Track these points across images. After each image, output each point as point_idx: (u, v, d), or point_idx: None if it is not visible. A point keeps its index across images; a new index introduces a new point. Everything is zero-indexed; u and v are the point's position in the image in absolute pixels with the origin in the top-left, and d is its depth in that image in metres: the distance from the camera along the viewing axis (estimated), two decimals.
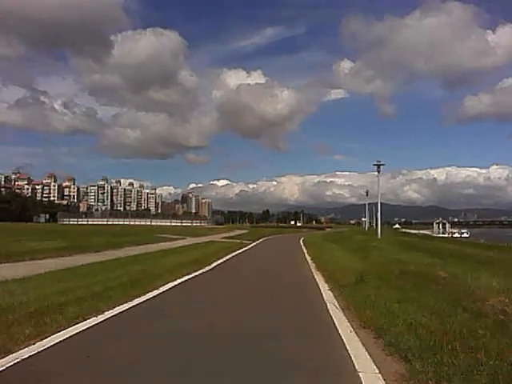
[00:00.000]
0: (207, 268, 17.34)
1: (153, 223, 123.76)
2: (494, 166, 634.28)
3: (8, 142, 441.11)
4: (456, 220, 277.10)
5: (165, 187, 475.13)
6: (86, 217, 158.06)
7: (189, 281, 13.59)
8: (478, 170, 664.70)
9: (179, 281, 13.21)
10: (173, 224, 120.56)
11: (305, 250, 29.73)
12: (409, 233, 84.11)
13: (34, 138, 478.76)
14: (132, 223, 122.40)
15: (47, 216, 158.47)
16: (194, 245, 32.54)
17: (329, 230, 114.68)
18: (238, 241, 40.97)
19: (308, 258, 22.96)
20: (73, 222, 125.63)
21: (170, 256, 21.38)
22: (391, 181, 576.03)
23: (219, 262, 20.35)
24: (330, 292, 11.89)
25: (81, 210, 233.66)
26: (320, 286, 13.11)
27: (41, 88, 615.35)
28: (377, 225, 51.92)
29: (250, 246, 34.50)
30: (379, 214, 47.36)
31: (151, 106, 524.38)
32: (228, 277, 15.31)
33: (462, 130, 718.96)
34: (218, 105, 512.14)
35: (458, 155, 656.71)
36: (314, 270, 17.49)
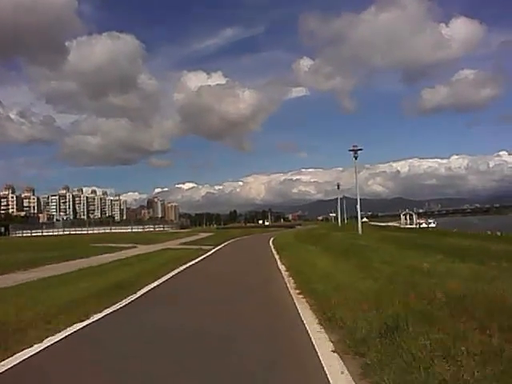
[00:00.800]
0: (128, 299, 10.72)
1: (113, 230, 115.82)
2: (455, 156, 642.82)
3: None
4: (421, 211, 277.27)
5: (130, 193, 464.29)
6: (44, 228, 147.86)
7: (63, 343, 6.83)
8: (439, 160, 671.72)
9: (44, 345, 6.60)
10: (134, 230, 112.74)
11: (276, 257, 23.15)
12: (383, 226, 79.42)
13: None
14: (90, 232, 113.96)
15: (2, 229, 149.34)
16: (136, 256, 25.49)
17: (298, 227, 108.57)
18: (196, 247, 34.17)
19: (282, 270, 16.43)
20: (26, 234, 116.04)
21: (83, 280, 14.31)
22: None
23: (153, 284, 13.65)
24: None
25: (41, 220, 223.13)
26: (317, 348, 6.34)
27: None
28: (357, 219, 45.90)
29: (207, 254, 27.50)
30: (358, 206, 41.30)
31: (111, 112, 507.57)
32: (151, 323, 8.40)
33: (422, 122, 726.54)
34: (180, 107, 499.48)
35: (419, 147, 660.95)
36: (294, 295, 10.92)
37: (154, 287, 13.15)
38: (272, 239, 45.47)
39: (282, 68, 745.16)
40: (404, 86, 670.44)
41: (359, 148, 42.13)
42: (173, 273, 16.57)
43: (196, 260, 22.82)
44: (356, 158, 42.91)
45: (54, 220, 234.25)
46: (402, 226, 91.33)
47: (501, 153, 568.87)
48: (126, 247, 37.50)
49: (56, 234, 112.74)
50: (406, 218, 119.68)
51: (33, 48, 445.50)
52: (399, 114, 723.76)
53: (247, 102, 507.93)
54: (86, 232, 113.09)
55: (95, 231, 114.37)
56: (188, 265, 19.81)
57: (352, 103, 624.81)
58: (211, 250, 31.92)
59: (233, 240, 47.40)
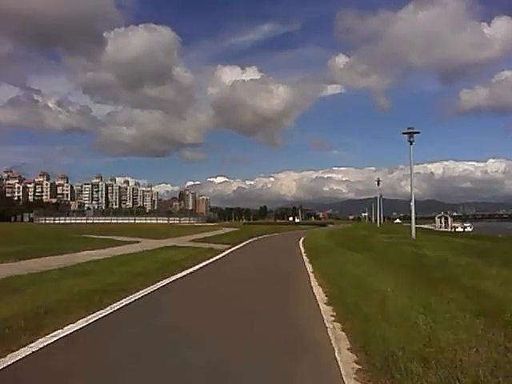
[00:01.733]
0: None
1: (137, 221, 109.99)
2: (491, 160, 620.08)
3: (2, 141, 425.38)
4: (455, 214, 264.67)
5: (162, 185, 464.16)
6: (74, 215, 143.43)
7: None
8: (475, 163, 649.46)
9: None
10: (158, 222, 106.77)
11: (309, 270, 15.53)
12: (425, 229, 70.92)
13: (29, 137, 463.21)
14: (114, 221, 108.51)
15: (31, 215, 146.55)
16: (115, 258, 18.27)
17: (331, 226, 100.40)
18: (208, 246, 26.86)
19: (320, 303, 8.93)
20: (49, 220, 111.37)
21: None
22: (388, 176, 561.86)
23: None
24: None
25: (72, 208, 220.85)
26: None
27: (34, 86, 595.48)
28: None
29: (213, 259, 19.91)
30: (413, 204, 33.12)
31: (146, 104, 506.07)
32: None
33: (459, 124, 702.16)
34: (214, 101, 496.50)
35: (455, 149, 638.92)
36: None
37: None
38: (302, 239, 37.77)
39: (318, 65, 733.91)
40: (441, 86, 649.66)
41: (416, 131, 35.31)
42: (119, 304, 9.14)
43: (189, 270, 15.29)
44: (411, 143, 35.89)
45: (85, 208, 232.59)
46: (436, 229, 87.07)
47: None
48: (127, 242, 30.76)
49: (79, 221, 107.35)
50: (440, 221, 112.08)
51: (71, 38, 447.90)
52: (435, 114, 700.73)
53: (281, 97, 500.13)
54: (108, 221, 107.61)
55: (119, 221, 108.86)
56: (166, 282, 12.24)
57: (387, 102, 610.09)
58: (224, 251, 24.50)
59: (256, 238, 39.83)
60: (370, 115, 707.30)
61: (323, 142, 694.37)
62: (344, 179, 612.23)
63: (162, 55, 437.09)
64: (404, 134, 36.07)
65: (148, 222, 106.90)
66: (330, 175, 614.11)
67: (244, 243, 32.72)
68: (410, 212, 35.53)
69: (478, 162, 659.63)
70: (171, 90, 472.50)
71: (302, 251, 25.02)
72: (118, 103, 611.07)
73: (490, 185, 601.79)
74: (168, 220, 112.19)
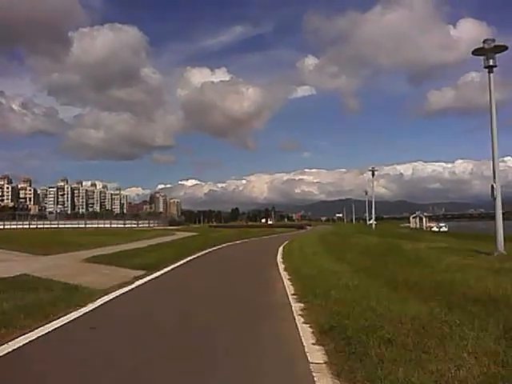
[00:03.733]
0: None
1: (87, 225, 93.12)
2: (459, 160, 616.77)
3: None
4: (425, 214, 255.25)
5: (133, 188, 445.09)
6: (32, 220, 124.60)
7: None
8: (443, 164, 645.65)
9: None
10: (112, 226, 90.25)
11: None
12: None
13: None
14: (61, 226, 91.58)
15: None
16: None
17: (309, 228, 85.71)
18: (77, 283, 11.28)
19: None
20: None
21: None
22: (359, 177, 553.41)
23: None
24: None
25: (32, 212, 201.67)
26: None
27: None
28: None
29: None
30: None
31: (114, 106, 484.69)
32: None
33: (427, 125, 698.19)
34: (183, 103, 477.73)
35: (423, 150, 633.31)
36: None
37: None
38: (282, 251, 22.83)
39: (288, 67, 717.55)
40: (409, 87, 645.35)
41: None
42: None
43: None
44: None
45: (47, 212, 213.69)
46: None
47: (506, 158, 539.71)
48: None
49: (17, 227, 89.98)
50: (415, 221, 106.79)
51: (35, 38, 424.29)
52: (403, 115, 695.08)
53: (251, 99, 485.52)
54: (55, 226, 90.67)
55: (67, 225, 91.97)
56: None
57: (357, 103, 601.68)
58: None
59: (206, 252, 24.14)
60: (340, 116, 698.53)
61: (294, 143, 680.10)
62: (315, 181, 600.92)
63: (129, 55, 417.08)
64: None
65: (100, 226, 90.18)
66: (301, 177, 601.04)
67: (179, 263, 17.20)
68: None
69: (446, 162, 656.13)
70: (139, 91, 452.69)
71: (285, 284, 11.06)
72: (85, 105, 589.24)
73: (458, 185, 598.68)
74: (124, 223, 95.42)
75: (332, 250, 21.36)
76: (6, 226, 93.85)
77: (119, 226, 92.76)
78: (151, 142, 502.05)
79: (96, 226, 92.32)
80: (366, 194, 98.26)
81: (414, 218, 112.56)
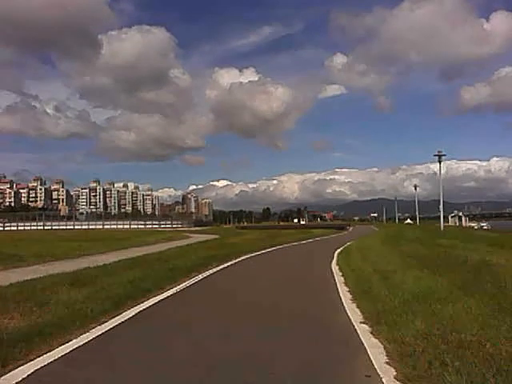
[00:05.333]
0: None
1: (105, 226, 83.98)
2: (495, 158, 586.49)
3: (1, 148, 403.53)
4: (460, 214, 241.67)
5: (165, 189, 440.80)
6: (64, 220, 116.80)
7: None
8: (478, 162, 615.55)
9: None
10: (132, 227, 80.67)
11: None
12: None
13: (29, 143, 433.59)
14: (77, 227, 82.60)
15: None
16: None
17: (350, 229, 73.73)
18: None
19: None
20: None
21: None
22: (391, 176, 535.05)
23: None
24: None
25: (62, 213, 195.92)
26: None
27: (31, 92, 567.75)
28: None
29: None
30: None
31: (145, 108, 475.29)
32: None
33: (461, 122, 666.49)
34: (213, 104, 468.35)
35: (457, 148, 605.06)
36: None
37: None
38: (342, 279, 11.49)
39: (316, 66, 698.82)
40: (441, 84, 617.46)
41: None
42: None
43: None
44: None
45: (77, 213, 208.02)
46: None
47: None
48: None
49: (29, 228, 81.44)
50: (454, 221, 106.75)
51: (66, 42, 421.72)
52: (436, 112, 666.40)
53: (280, 99, 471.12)
54: (85, 227, 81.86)
55: (90, 227, 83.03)
56: None
57: (387, 101, 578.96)
58: None
59: (193, 283, 12.95)
60: (371, 115, 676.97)
61: (325, 143, 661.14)
62: (347, 180, 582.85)
63: (157, 57, 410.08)
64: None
65: (120, 226, 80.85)
66: (332, 177, 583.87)
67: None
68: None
69: (481, 160, 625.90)
70: (169, 93, 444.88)
71: None
72: (116, 107, 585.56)
73: (494, 184, 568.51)
74: (145, 224, 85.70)
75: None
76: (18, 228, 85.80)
77: (139, 226, 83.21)
78: (182, 143, 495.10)
79: (114, 226, 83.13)
80: (415, 188, 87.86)
81: (452, 217, 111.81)
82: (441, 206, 46.62)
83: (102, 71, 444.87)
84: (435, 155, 39.74)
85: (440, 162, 37.70)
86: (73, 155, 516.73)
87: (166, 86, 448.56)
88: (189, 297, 9.61)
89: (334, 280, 11.68)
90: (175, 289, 10.32)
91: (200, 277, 12.61)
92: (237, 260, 18.06)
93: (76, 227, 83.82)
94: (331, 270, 14.12)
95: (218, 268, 14.92)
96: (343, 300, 8.73)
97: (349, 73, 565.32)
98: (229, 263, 16.63)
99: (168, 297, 9.34)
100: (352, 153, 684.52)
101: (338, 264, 15.37)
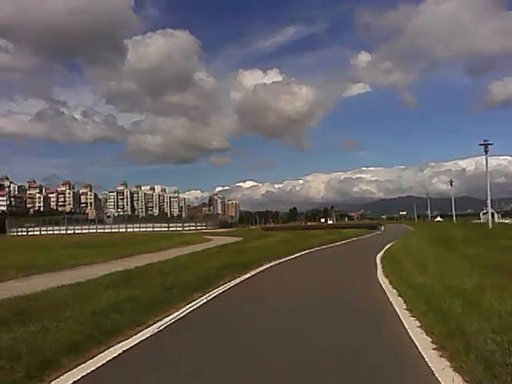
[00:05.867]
0: None
1: (128, 229, 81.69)
2: None
3: (32, 154, 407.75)
4: (491, 210, 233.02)
5: (192, 191, 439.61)
6: (93, 224, 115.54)
7: None
8: (509, 157, 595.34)
9: None
10: (155, 229, 78.04)
11: None
12: None
13: (57, 148, 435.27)
14: (107, 231, 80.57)
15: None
16: None
17: (382, 228, 68.91)
18: None
19: None
20: (21, 232, 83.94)
21: None
22: (419, 174, 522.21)
23: None
24: None
25: (90, 217, 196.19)
26: None
27: (59, 98, 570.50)
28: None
29: None
30: None
31: (170, 111, 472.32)
32: None
33: (490, 117, 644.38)
34: (237, 106, 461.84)
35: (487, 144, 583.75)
36: None
37: None
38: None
39: (341, 64, 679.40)
40: (469, 79, 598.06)
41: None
42: None
43: None
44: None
45: (104, 216, 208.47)
46: None
47: None
48: None
49: (51, 232, 79.66)
50: (486, 218, 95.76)
51: (92, 48, 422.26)
52: (465, 108, 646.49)
53: (305, 99, 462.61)
54: (107, 231, 79.80)
55: (113, 230, 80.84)
56: None
57: (413, 98, 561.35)
58: None
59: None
60: (397, 112, 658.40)
61: (351, 142, 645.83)
62: (373, 179, 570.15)
63: (181, 60, 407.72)
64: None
65: (143, 229, 78.42)
66: (359, 175, 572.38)
67: None
68: None
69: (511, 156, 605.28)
70: (194, 95, 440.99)
71: None
72: (142, 111, 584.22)
73: None
74: (168, 227, 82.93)
75: None
76: (29, 233, 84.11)
77: (163, 229, 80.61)
78: (207, 145, 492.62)
79: (137, 229, 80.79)
80: (451, 184, 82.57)
81: (484, 214, 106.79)
82: (488, 201, 41.92)
83: (127, 76, 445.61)
84: (480, 144, 34.64)
85: (486, 152, 33.01)
86: (100, 159, 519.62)
87: (190, 89, 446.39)
88: (176, 346, 6.14)
89: (391, 306, 8.08)
90: (158, 326, 6.91)
91: (203, 300, 9.20)
92: (257, 270, 14.61)
93: (99, 231, 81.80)
94: (380, 286, 10.52)
95: (232, 284, 11.50)
96: (428, 362, 4.98)
97: (374, 71, 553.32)
98: (246, 275, 13.18)
99: (141, 346, 5.92)
100: (378, 151, 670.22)
101: (387, 277, 11.74)
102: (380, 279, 11.56)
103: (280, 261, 18.15)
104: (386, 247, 23.32)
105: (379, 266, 14.45)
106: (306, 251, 23.85)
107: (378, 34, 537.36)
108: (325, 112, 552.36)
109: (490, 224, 41.20)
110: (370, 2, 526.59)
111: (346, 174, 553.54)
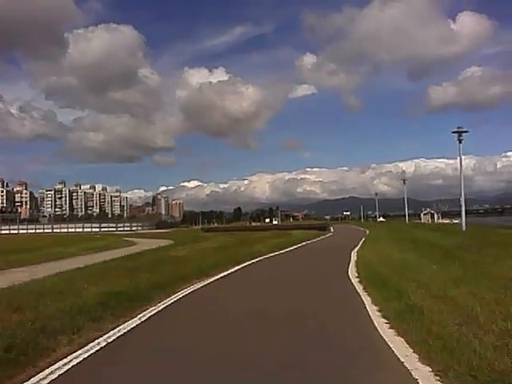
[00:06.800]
0: None
1: (62, 229, 72.71)
2: (462, 156, 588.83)
3: None
4: (426, 210, 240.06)
5: (135, 191, 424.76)
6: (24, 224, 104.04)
7: None
8: (445, 160, 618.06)
9: None
10: (84, 230, 69.44)
11: None
12: None
13: None
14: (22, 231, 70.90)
15: None
16: None
17: (332, 228, 62.80)
18: None
19: None
20: None
21: None
22: (361, 175, 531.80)
23: None
24: None
25: (23, 216, 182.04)
26: None
27: None
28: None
29: None
30: None
31: (113, 108, 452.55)
32: None
33: (429, 121, 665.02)
34: (182, 104, 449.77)
35: (425, 147, 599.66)
36: None
37: None
38: None
39: (287, 66, 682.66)
40: (410, 84, 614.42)
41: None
42: None
43: None
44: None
45: (40, 216, 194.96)
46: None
47: (508, 153, 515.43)
48: None
49: None
50: (427, 218, 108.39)
51: (30, 41, 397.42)
52: (405, 112, 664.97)
53: (251, 99, 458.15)
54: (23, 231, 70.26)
55: (29, 231, 71.28)
56: None
57: (357, 101, 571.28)
58: None
59: None
60: (341, 114, 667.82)
61: (296, 142, 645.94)
62: (317, 180, 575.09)
63: (125, 56, 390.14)
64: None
65: (71, 230, 69.51)
66: (303, 176, 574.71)
67: None
68: None
69: (448, 159, 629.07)
70: (138, 93, 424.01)
71: None
72: (83, 108, 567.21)
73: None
74: (100, 227, 74.25)
75: None
76: None
77: (93, 229, 72.19)
78: (152, 143, 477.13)
79: (65, 230, 71.78)
80: (404, 182, 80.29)
81: (425, 214, 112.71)
82: (462, 199, 37.03)
83: (68, 71, 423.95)
84: (453, 132, 29.32)
85: (460, 142, 27.89)
86: (39, 157, 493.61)
87: (134, 86, 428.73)
88: None
89: None
90: None
91: None
92: (151, 311, 7.98)
93: (30, 231, 72.22)
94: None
95: (73, 355, 4.87)
96: None
97: (318, 72, 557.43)
98: (125, 328, 6.57)
99: None
100: (322, 152, 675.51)
101: (390, 321, 5.48)
102: (381, 332, 5.26)
103: (204, 283, 11.57)
104: (353, 257, 17.20)
105: (362, 297, 8.25)
106: (247, 263, 17.31)
107: (323, 35, 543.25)
108: (271, 112, 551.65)
109: (464, 226, 36.23)
110: (315, 4, 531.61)
111: (290, 175, 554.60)
